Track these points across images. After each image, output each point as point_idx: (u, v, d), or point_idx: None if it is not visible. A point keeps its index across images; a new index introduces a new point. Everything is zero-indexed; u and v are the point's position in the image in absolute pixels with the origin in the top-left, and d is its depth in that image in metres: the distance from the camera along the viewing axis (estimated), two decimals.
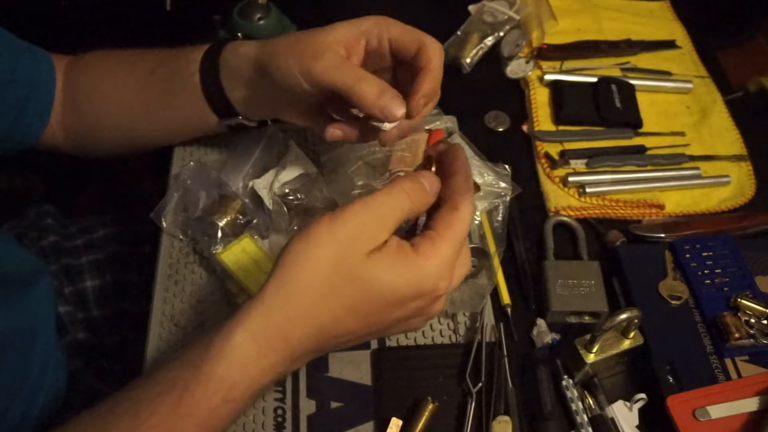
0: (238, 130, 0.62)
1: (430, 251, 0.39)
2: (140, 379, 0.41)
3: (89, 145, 0.67)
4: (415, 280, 0.39)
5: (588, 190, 0.69)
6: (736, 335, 0.55)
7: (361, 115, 0.54)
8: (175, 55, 0.60)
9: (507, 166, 0.68)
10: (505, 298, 0.61)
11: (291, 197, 0.61)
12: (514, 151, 0.74)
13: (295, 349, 0.39)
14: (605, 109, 0.76)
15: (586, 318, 0.60)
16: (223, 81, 0.57)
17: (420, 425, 0.52)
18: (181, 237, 0.63)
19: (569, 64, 0.82)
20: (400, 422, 0.52)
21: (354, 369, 0.56)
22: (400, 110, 0.48)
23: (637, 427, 0.53)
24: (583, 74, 0.80)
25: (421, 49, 0.51)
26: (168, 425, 0.38)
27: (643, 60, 0.84)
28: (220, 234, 0.59)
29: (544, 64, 0.82)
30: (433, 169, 0.45)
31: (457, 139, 0.69)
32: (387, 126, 0.51)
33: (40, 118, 0.62)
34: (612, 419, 0.53)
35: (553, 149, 0.74)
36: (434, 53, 0.50)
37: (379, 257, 0.39)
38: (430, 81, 0.50)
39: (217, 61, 0.57)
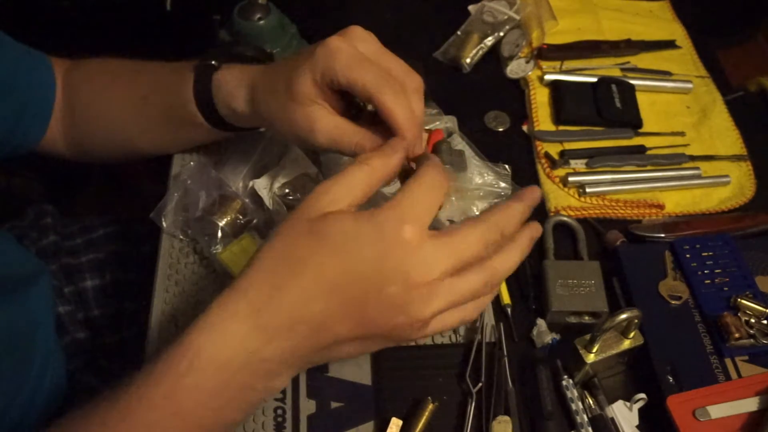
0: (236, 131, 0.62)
1: (386, 203, 0.39)
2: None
3: (87, 151, 0.67)
4: (369, 222, 0.38)
5: (588, 190, 0.69)
6: (736, 335, 0.55)
7: None
8: (166, 82, 0.59)
9: (507, 166, 0.68)
10: (505, 298, 0.61)
11: (291, 197, 0.61)
12: (514, 151, 0.74)
13: (261, 316, 0.38)
14: (605, 109, 0.76)
15: (586, 318, 0.60)
16: (218, 108, 0.56)
17: (420, 425, 0.52)
18: (181, 237, 0.63)
19: (569, 64, 0.82)
20: (400, 422, 0.52)
21: (354, 369, 0.56)
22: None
23: (637, 427, 0.53)
24: (583, 74, 0.80)
25: (377, 105, 0.45)
26: (139, 394, 0.38)
27: (643, 60, 0.84)
28: (220, 234, 0.59)
29: (544, 64, 0.82)
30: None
31: (457, 139, 0.69)
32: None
33: (40, 123, 0.62)
34: (612, 419, 0.53)
35: (553, 149, 0.74)
36: (395, 110, 0.44)
37: (335, 214, 0.39)
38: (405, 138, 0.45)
39: (209, 87, 0.55)
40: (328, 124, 0.47)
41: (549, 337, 0.57)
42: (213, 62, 0.56)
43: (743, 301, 0.57)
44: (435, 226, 0.40)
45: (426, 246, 0.38)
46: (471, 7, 0.87)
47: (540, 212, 0.69)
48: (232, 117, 0.56)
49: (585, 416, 0.53)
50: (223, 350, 0.38)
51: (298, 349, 0.39)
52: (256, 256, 0.40)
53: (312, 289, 0.38)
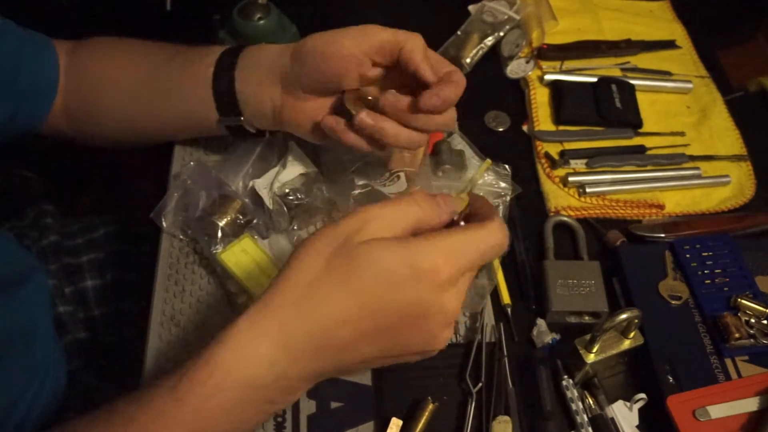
0: (235, 135, 0.62)
1: (435, 235, 0.38)
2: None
3: (89, 131, 0.67)
4: (409, 256, 0.37)
5: (588, 190, 0.69)
6: (736, 335, 0.55)
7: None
8: (197, 49, 0.61)
9: (507, 166, 0.68)
10: (505, 298, 0.61)
11: (291, 197, 0.61)
12: (514, 151, 0.74)
13: (292, 339, 0.38)
14: (605, 109, 0.76)
15: (586, 318, 0.60)
16: (237, 73, 0.57)
17: (420, 425, 0.52)
18: (181, 237, 0.63)
19: (569, 64, 0.82)
20: (400, 422, 0.52)
21: None
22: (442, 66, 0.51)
23: (637, 427, 0.53)
24: (583, 74, 0.80)
25: (401, 50, 0.51)
26: (161, 409, 0.37)
27: (643, 60, 0.84)
28: (220, 234, 0.59)
29: (544, 64, 0.82)
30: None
31: (457, 139, 0.69)
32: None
33: (43, 104, 0.62)
34: (612, 419, 0.53)
35: (553, 149, 0.74)
36: (412, 48, 0.51)
37: (375, 241, 0.38)
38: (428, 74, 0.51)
39: (237, 55, 0.57)
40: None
41: (549, 337, 0.57)
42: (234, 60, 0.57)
43: (743, 301, 0.57)
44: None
45: (453, 290, 0.39)
46: (471, 7, 0.87)
47: (540, 212, 0.69)
48: (252, 67, 0.57)
49: (585, 416, 0.53)
50: (251, 370, 0.38)
51: (322, 369, 0.40)
52: (290, 270, 0.39)
53: (345, 315, 0.38)
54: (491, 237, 0.40)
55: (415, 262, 0.37)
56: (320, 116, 0.55)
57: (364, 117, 0.52)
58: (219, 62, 0.57)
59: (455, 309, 0.39)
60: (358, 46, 0.51)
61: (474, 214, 0.43)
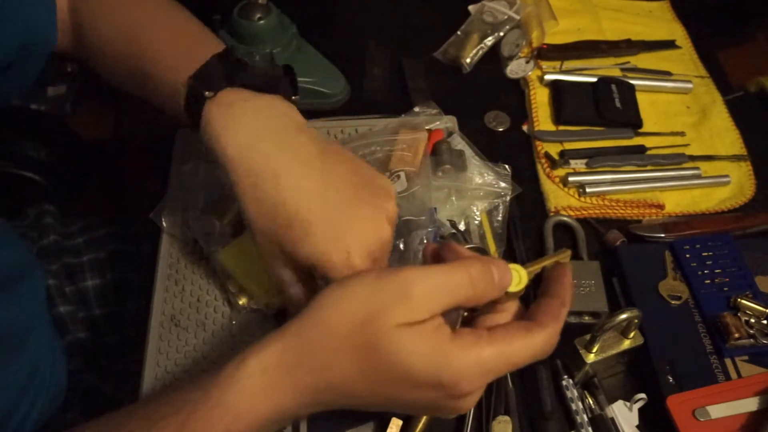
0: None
1: (469, 345, 0.35)
2: (153, 396, 0.40)
3: (92, 55, 0.59)
4: (434, 366, 0.35)
5: (588, 190, 0.69)
6: (736, 335, 0.55)
7: None
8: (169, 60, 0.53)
9: (507, 166, 0.68)
10: None
11: None
12: (514, 151, 0.74)
13: (303, 397, 0.38)
14: (605, 109, 0.76)
15: (586, 318, 0.60)
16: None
17: (420, 425, 0.52)
18: (181, 237, 0.63)
19: (569, 64, 0.82)
20: (400, 422, 0.52)
21: None
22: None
23: (637, 427, 0.53)
24: (583, 74, 0.80)
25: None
26: None
27: (643, 60, 0.84)
28: (220, 234, 0.59)
29: (544, 64, 0.82)
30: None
31: (457, 139, 0.69)
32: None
33: (48, 25, 0.57)
34: (612, 419, 0.53)
35: (553, 149, 0.74)
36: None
37: (408, 331, 0.35)
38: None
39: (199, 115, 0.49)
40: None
41: None
42: (206, 93, 0.48)
43: (743, 301, 0.57)
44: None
45: (480, 390, 0.38)
46: (471, 7, 0.87)
47: (540, 212, 0.69)
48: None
49: (585, 416, 0.53)
50: (261, 414, 0.37)
51: (327, 407, 0.40)
52: (313, 326, 0.37)
53: (357, 392, 0.38)
54: (538, 348, 0.36)
55: (440, 376, 0.35)
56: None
57: None
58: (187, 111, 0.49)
59: (470, 406, 0.39)
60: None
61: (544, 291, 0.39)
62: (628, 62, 0.83)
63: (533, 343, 0.37)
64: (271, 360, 0.37)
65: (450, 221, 0.63)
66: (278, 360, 0.37)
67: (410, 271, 0.36)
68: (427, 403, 0.38)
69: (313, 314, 0.37)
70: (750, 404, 0.51)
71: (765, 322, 0.56)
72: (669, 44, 0.86)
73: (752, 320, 0.56)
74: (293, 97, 0.52)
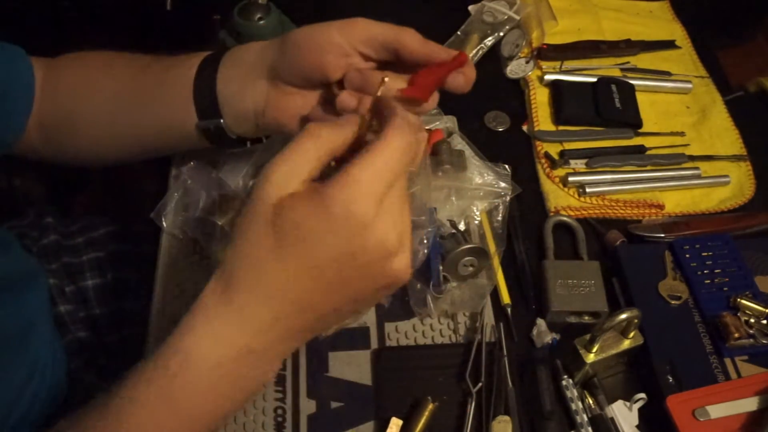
0: (214, 143, 0.58)
1: (340, 177, 0.36)
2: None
3: (67, 145, 0.64)
4: (320, 205, 0.36)
5: (588, 190, 0.69)
6: (736, 335, 0.55)
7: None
8: (181, 55, 0.59)
9: (507, 166, 0.68)
10: (505, 298, 0.61)
11: None
12: (514, 151, 0.74)
13: (244, 314, 0.39)
14: (605, 109, 0.76)
15: (586, 318, 0.60)
16: (220, 72, 0.55)
17: (420, 425, 0.52)
18: (181, 237, 0.63)
19: (569, 64, 0.82)
20: (400, 422, 0.52)
21: (354, 369, 0.56)
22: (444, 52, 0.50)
23: (637, 427, 0.53)
24: (583, 74, 0.80)
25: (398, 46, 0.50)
26: (131, 395, 0.38)
27: (643, 60, 0.84)
28: (220, 234, 0.59)
29: (544, 64, 0.82)
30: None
31: (457, 139, 0.70)
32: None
33: (19, 118, 0.60)
34: (612, 419, 0.53)
35: (553, 149, 0.74)
36: (411, 39, 0.51)
37: (287, 204, 0.37)
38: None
39: (220, 56, 0.56)
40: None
41: (549, 337, 0.58)
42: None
43: (743, 301, 0.57)
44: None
45: (379, 220, 0.37)
46: (471, 7, 0.87)
47: (540, 212, 0.69)
48: (235, 65, 0.55)
49: (585, 416, 0.53)
50: (213, 350, 0.39)
51: (286, 335, 0.40)
52: (226, 260, 0.40)
53: (285, 282, 0.38)
54: (390, 149, 0.37)
55: (328, 212, 0.36)
56: (306, 112, 0.54)
57: (346, 96, 0.51)
58: (203, 62, 0.56)
59: (392, 233, 0.38)
60: (345, 37, 0.51)
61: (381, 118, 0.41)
62: (628, 62, 0.83)
63: (389, 140, 0.38)
64: (209, 295, 0.39)
65: (450, 221, 0.63)
66: (213, 294, 0.39)
67: (269, 163, 0.38)
68: (349, 256, 0.37)
69: (226, 257, 0.40)
70: (750, 404, 0.51)
71: (765, 322, 0.56)
72: (669, 44, 0.86)
73: (752, 320, 0.56)
74: None
